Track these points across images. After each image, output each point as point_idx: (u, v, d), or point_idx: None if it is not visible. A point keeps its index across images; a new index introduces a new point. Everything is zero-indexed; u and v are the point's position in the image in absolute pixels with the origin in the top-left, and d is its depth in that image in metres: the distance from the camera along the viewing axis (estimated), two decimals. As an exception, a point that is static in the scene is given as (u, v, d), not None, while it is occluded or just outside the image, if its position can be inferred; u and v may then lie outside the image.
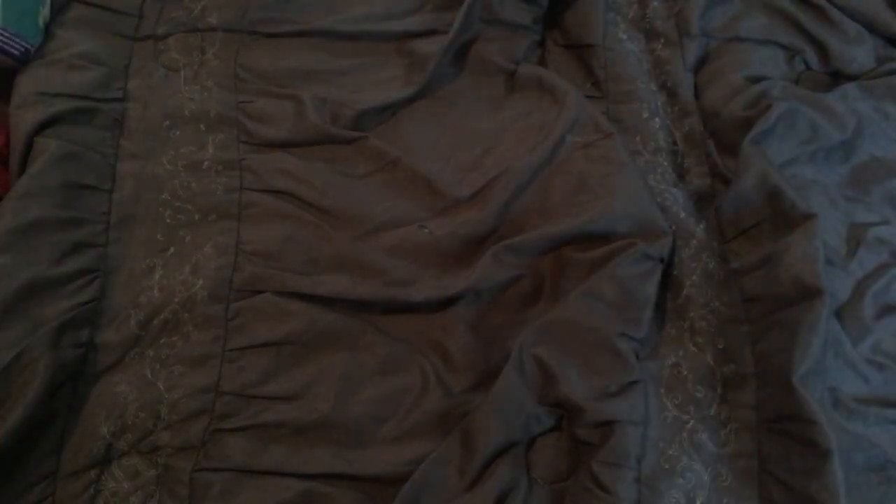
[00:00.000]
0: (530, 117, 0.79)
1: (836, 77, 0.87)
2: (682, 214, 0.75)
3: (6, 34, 0.69)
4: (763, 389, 0.65)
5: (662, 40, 0.86)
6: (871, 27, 0.87)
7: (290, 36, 0.81)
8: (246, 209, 0.72)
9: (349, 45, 0.82)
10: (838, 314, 0.70)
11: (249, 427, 0.63)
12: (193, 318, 0.67)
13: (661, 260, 0.70)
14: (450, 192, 0.74)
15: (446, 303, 0.70)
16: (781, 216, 0.71)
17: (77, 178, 0.68)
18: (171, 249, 0.70)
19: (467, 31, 0.82)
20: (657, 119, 0.81)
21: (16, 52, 0.70)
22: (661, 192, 0.76)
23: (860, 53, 0.86)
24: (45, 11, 0.74)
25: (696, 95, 0.83)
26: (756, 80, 0.81)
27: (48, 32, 0.74)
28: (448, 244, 0.72)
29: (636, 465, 0.62)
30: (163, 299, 0.67)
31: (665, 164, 0.79)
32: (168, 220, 0.71)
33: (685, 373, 0.68)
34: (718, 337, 0.70)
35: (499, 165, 0.75)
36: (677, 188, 0.78)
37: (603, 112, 0.81)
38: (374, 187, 0.75)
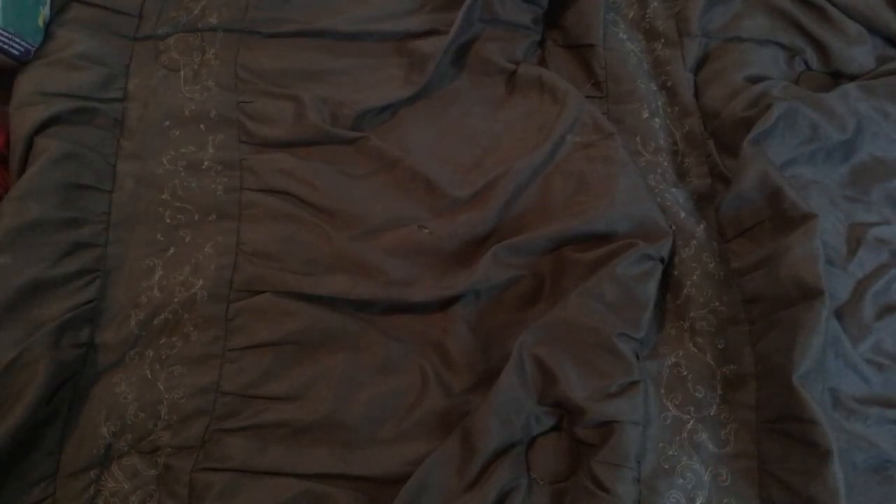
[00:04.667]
0: (530, 117, 0.79)
1: (836, 77, 0.87)
2: (682, 214, 0.75)
3: (6, 34, 0.69)
4: (763, 389, 0.65)
5: (662, 40, 0.86)
6: (871, 27, 0.87)
7: (290, 36, 0.81)
8: (246, 209, 0.72)
9: (349, 45, 0.82)
10: (838, 314, 0.70)
11: (249, 427, 0.63)
12: (193, 318, 0.67)
13: (662, 260, 0.70)
14: (450, 193, 0.74)
15: (446, 303, 0.70)
16: (781, 216, 0.71)
17: (77, 179, 0.68)
18: (171, 249, 0.70)
19: (467, 31, 0.82)
20: (657, 119, 0.82)
21: (16, 52, 0.70)
22: (661, 192, 0.76)
23: (860, 53, 0.86)
24: (45, 11, 0.74)
25: (696, 95, 0.83)
26: (756, 80, 0.81)
27: (48, 32, 0.74)
28: (448, 244, 0.72)
29: (636, 465, 0.62)
30: (163, 299, 0.67)
31: (665, 164, 0.79)
32: (168, 220, 0.71)
33: (685, 373, 0.68)
34: (718, 337, 0.70)
35: (499, 165, 0.75)
36: (677, 188, 0.78)
37: (603, 112, 0.81)
38: (375, 187, 0.75)
